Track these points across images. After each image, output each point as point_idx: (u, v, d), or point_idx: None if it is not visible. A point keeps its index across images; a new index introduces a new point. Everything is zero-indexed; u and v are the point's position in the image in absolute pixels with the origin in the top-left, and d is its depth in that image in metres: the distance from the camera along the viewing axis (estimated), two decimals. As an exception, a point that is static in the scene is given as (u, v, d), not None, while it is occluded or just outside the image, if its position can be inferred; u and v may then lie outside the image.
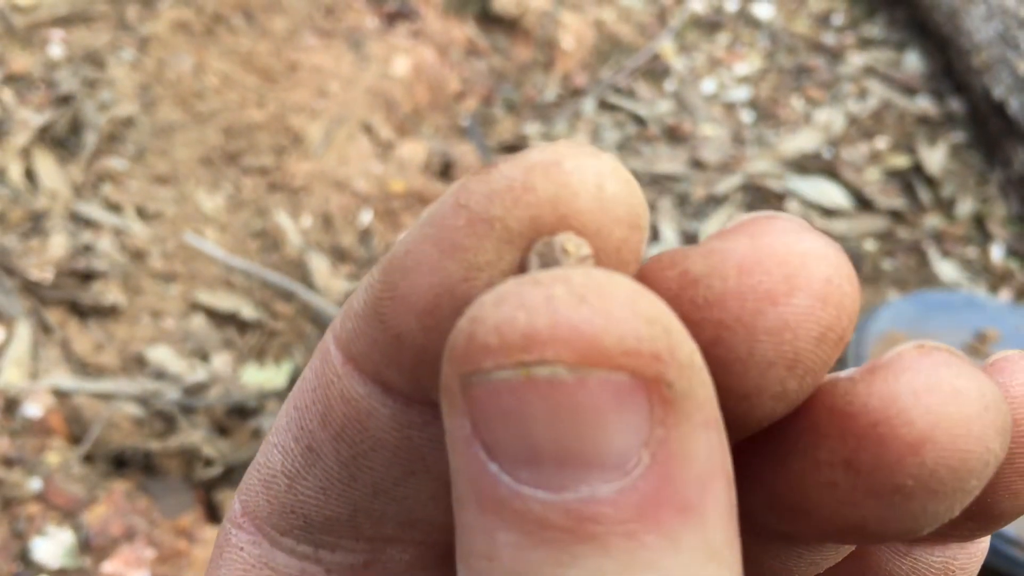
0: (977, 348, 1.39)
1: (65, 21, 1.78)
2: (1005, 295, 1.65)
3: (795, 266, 0.17)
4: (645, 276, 0.18)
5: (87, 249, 1.44)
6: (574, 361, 0.14)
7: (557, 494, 0.15)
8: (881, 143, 1.95)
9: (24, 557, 1.05)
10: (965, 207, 1.80)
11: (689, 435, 0.15)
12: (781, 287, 0.17)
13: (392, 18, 1.93)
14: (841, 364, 1.41)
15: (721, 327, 0.17)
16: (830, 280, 0.17)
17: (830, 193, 1.80)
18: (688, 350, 0.15)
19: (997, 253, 1.72)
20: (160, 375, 1.28)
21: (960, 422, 0.16)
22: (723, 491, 0.15)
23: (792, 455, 0.19)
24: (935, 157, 1.90)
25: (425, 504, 0.20)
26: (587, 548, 0.15)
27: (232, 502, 0.23)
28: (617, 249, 0.17)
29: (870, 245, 1.72)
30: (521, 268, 0.17)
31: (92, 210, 1.50)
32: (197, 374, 1.28)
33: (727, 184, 1.80)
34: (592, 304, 0.15)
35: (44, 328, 1.32)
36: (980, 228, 1.78)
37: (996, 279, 1.68)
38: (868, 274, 1.67)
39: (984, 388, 0.17)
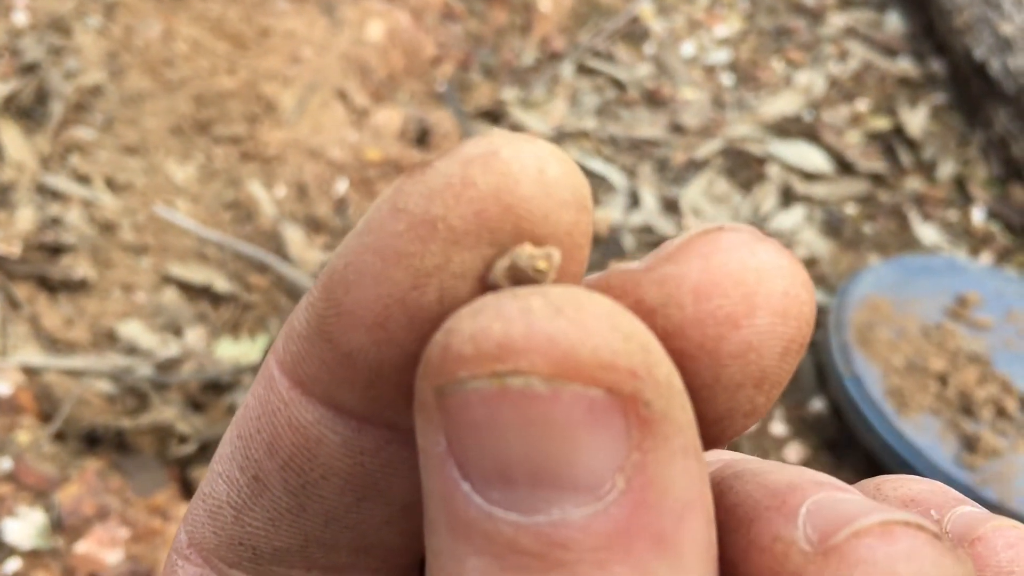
0: (958, 312, 1.39)
1: (27, -13, 1.73)
2: (986, 258, 1.65)
3: (752, 284, 0.16)
4: None
5: (55, 222, 1.40)
6: (549, 373, 0.14)
7: (529, 517, 0.14)
8: (862, 105, 1.93)
9: (-5, 538, 1.03)
10: (946, 169, 1.79)
11: (667, 461, 0.14)
12: (741, 309, 0.16)
13: (365, -19, 1.89)
14: (823, 331, 1.41)
15: (683, 356, 0.17)
16: (787, 292, 0.17)
17: (811, 157, 1.79)
18: (667, 370, 0.15)
19: (978, 215, 1.72)
20: (132, 351, 1.26)
21: None
22: (702, 526, 0.15)
23: None
24: (916, 119, 1.89)
25: (379, 529, 0.20)
26: None
27: (178, 531, 0.22)
28: (568, 233, 0.16)
29: (851, 209, 1.71)
30: (483, 283, 0.16)
31: (60, 182, 1.46)
32: (170, 349, 1.26)
33: (707, 148, 1.79)
34: (568, 316, 0.14)
35: (12, 304, 1.29)
36: (961, 190, 1.77)
37: (977, 242, 1.68)
38: (849, 238, 1.66)
39: None
